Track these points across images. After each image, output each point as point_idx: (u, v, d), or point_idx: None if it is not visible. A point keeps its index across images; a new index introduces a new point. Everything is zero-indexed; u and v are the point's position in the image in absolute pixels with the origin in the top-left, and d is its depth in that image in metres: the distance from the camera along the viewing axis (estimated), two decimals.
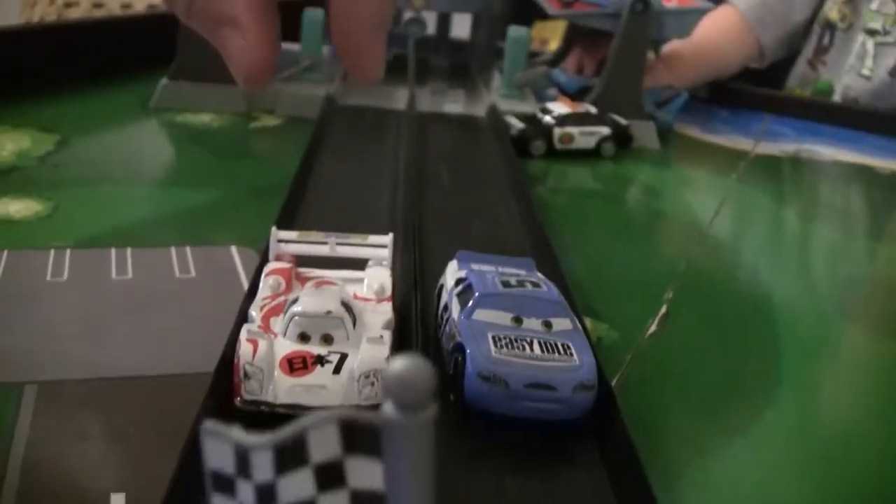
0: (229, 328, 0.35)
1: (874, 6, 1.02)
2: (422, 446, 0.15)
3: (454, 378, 0.33)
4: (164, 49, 0.78)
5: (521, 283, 0.37)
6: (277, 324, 0.34)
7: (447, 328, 0.36)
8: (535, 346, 0.33)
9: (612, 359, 0.41)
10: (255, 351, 0.31)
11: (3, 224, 0.51)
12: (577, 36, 0.90)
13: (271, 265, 0.39)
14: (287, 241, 0.40)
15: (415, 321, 0.38)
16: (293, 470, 0.15)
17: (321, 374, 0.32)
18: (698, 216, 0.68)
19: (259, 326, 0.34)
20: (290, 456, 0.15)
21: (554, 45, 1.01)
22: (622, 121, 0.76)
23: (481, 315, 0.35)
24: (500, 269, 0.38)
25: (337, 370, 0.32)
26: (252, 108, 0.78)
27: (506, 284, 0.36)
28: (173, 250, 0.49)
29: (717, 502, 0.33)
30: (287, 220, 0.48)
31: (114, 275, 0.46)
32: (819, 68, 1.07)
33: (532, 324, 0.35)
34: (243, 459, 0.15)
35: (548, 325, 0.35)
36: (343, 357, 0.32)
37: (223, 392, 0.31)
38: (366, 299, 0.37)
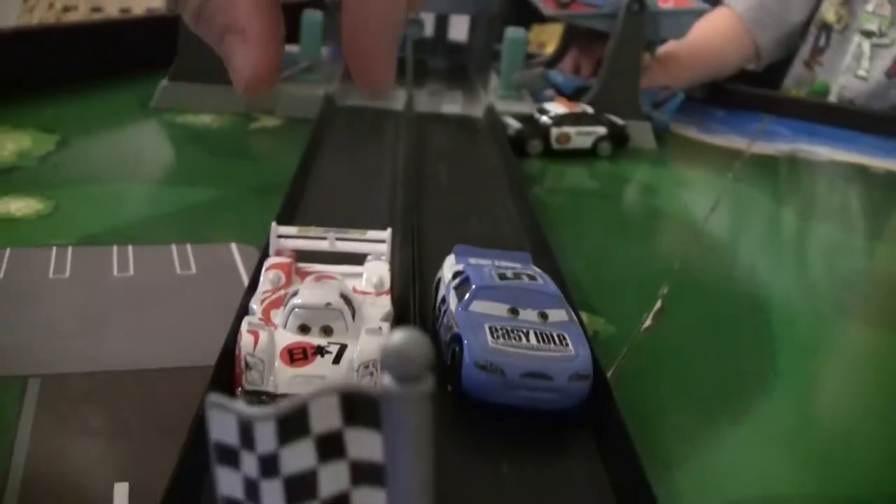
0: (230, 323, 0.35)
1: (870, 8, 1.02)
2: (419, 417, 0.15)
3: (452, 368, 0.34)
4: (165, 50, 0.79)
5: (517, 276, 0.37)
6: (278, 316, 0.34)
7: (445, 320, 0.36)
8: (532, 337, 0.34)
9: (608, 352, 0.41)
10: (255, 342, 0.32)
11: (4, 222, 0.51)
12: (575, 37, 0.90)
13: (271, 260, 0.39)
14: (287, 237, 0.41)
15: (413, 314, 0.38)
16: (295, 441, 0.15)
17: (321, 365, 0.32)
18: (694, 214, 0.68)
19: (260, 319, 0.34)
20: (292, 427, 0.15)
21: (552, 49, 1.01)
22: (618, 121, 0.77)
23: (478, 307, 0.35)
24: (497, 263, 0.39)
25: (336, 360, 0.32)
26: (252, 109, 0.79)
27: (502, 277, 0.37)
28: (174, 247, 0.49)
29: (712, 491, 0.33)
30: (287, 218, 0.49)
31: (115, 272, 0.46)
32: (815, 69, 1.08)
33: (528, 315, 0.35)
34: (247, 431, 0.15)
35: (544, 316, 0.35)
36: (343, 348, 0.33)
37: (224, 383, 0.32)
38: (365, 293, 0.37)
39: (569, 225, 0.60)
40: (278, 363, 0.32)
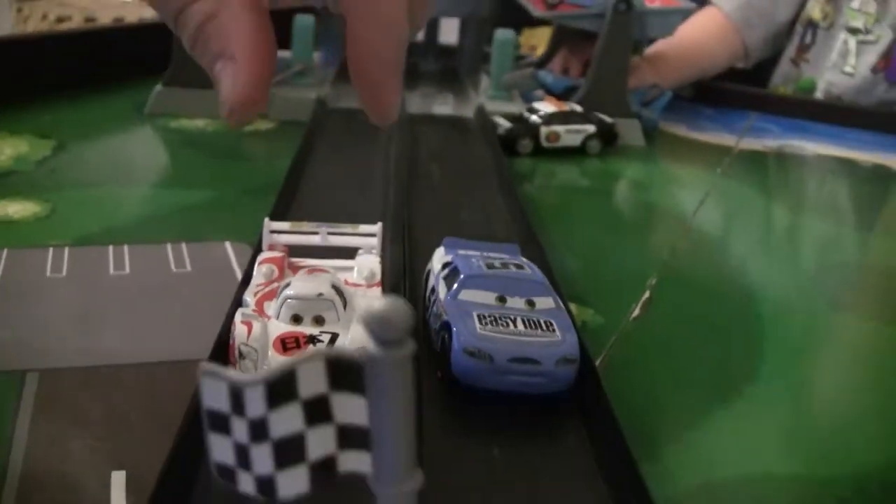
0: (224, 317, 0.36)
1: (855, 5, 1.04)
2: (402, 381, 0.16)
3: (441, 355, 0.35)
4: (159, 56, 0.79)
5: (504, 266, 0.38)
6: (271, 307, 0.35)
7: (434, 309, 0.37)
8: (519, 323, 0.35)
9: (596, 341, 0.42)
10: (249, 332, 0.33)
11: (2, 224, 0.52)
12: (564, 38, 0.92)
13: (264, 254, 0.40)
14: (279, 232, 0.41)
15: None
16: (283, 405, 0.16)
17: None
18: (683, 209, 0.69)
19: (253, 310, 0.35)
20: (280, 391, 0.16)
21: (542, 52, 1.03)
22: (607, 119, 0.78)
23: (467, 295, 0.36)
24: (485, 254, 0.40)
25: None
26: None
27: (490, 266, 0.38)
28: (169, 247, 0.50)
29: (701, 469, 0.34)
30: (280, 215, 0.49)
31: (111, 270, 0.47)
32: (802, 66, 1.09)
33: (516, 303, 0.36)
34: (237, 397, 0.16)
35: (531, 303, 0.36)
36: (334, 337, 0.33)
37: None
38: (356, 285, 0.38)
39: (559, 221, 0.61)
40: (271, 352, 0.33)
